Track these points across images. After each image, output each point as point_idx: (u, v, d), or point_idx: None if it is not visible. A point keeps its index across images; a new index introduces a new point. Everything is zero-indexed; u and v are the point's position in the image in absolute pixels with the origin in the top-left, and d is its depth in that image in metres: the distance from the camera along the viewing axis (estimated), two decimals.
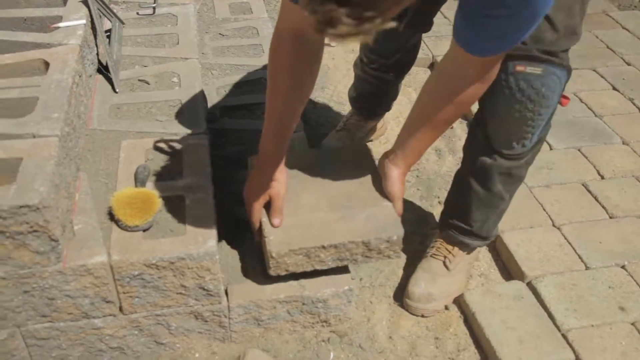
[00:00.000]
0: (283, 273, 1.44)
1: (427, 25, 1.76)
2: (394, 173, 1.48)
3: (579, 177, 2.10)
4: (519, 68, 1.35)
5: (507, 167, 1.52)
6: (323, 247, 1.40)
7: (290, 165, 1.52)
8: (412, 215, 1.97)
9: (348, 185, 1.53)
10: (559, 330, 1.59)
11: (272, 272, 1.43)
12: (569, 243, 1.84)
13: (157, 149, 1.61)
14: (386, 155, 1.52)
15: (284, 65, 1.36)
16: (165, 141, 1.63)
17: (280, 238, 1.41)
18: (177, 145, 1.62)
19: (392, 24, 0.81)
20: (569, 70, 1.40)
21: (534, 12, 1.07)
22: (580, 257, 1.79)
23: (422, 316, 1.67)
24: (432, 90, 1.39)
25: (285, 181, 1.48)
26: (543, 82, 1.35)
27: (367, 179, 1.55)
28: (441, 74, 1.37)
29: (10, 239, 1.21)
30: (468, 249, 1.71)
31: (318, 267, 1.45)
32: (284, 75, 1.37)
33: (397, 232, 1.44)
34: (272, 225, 1.43)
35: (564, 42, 1.34)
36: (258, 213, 1.46)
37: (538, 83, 1.35)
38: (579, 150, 2.23)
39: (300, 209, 1.47)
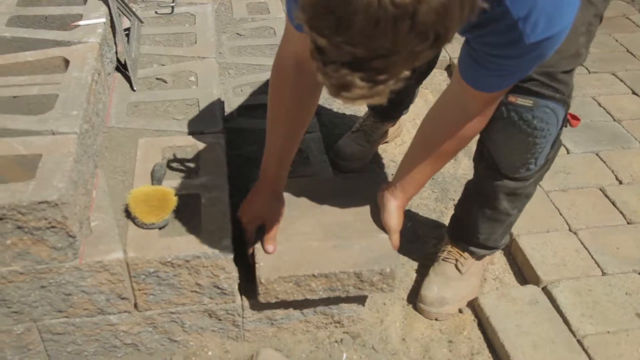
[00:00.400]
0: (273, 300, 1.43)
1: None
2: (392, 205, 1.47)
3: (596, 182, 2.08)
4: (511, 98, 1.34)
5: (513, 187, 1.51)
6: (314, 275, 1.39)
7: (288, 192, 1.53)
8: (427, 217, 1.97)
9: (344, 215, 1.52)
10: (575, 336, 1.57)
11: (261, 299, 1.42)
12: (586, 248, 1.82)
13: (173, 147, 1.62)
14: (385, 187, 1.51)
15: (285, 95, 1.35)
16: (182, 140, 1.64)
17: (271, 264, 1.40)
18: (194, 144, 1.63)
19: (404, 81, 0.81)
20: (564, 103, 1.36)
21: (542, 53, 1.05)
22: (596, 263, 1.77)
23: (436, 319, 1.66)
24: (434, 123, 1.38)
25: (281, 208, 1.48)
26: (534, 114, 1.34)
27: (364, 210, 1.55)
28: (443, 107, 1.36)
29: (29, 235, 1.22)
30: (477, 256, 1.70)
31: (309, 297, 1.43)
32: (285, 104, 1.36)
33: (391, 264, 1.42)
34: (265, 251, 1.42)
35: (564, 63, 1.31)
36: (251, 236, 1.45)
37: (529, 115, 1.34)
38: (596, 154, 2.21)
39: (294, 236, 1.46)
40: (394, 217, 1.47)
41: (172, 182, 1.50)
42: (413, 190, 1.49)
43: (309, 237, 1.46)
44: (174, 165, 1.56)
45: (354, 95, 0.80)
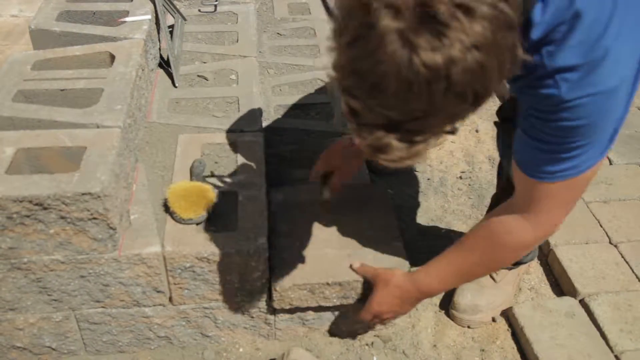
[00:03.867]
0: (287, 307, 1.44)
1: None
2: (395, 279, 1.32)
3: (639, 194, 2.03)
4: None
5: None
6: (327, 284, 1.40)
7: (301, 198, 1.53)
8: (463, 223, 1.94)
9: (360, 223, 1.52)
10: (612, 351, 1.53)
11: (275, 305, 1.44)
12: (626, 262, 1.77)
13: (213, 144, 1.64)
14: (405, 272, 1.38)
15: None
16: (221, 137, 1.66)
17: (285, 272, 1.41)
18: (233, 142, 1.64)
19: (446, 139, 0.77)
20: None
21: (585, 116, 0.93)
22: (637, 277, 1.72)
23: (468, 327, 1.64)
24: (477, 236, 1.26)
25: (355, 165, 1.45)
26: None
27: (379, 219, 1.54)
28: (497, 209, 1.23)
29: (71, 225, 1.25)
30: (509, 267, 1.67)
31: (322, 304, 1.44)
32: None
33: None
34: (323, 196, 1.43)
35: None
36: (316, 173, 1.45)
37: None
38: None
39: (310, 243, 1.47)
40: (383, 291, 1.32)
41: (210, 178, 1.52)
42: (435, 279, 1.30)
43: (324, 245, 1.47)
44: (213, 162, 1.58)
45: (392, 157, 0.77)
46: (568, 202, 1.11)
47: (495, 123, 1.51)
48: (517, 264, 1.67)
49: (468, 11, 0.63)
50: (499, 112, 1.49)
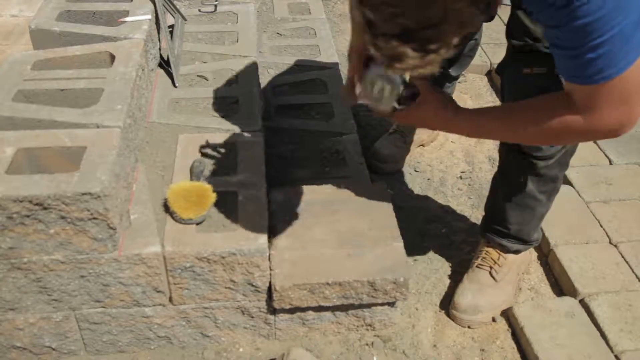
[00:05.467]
0: (287, 307, 1.44)
1: None
2: (437, 103, 1.23)
3: (639, 194, 2.03)
4: (526, 70, 1.28)
5: (537, 166, 1.48)
6: (327, 283, 1.40)
7: (303, 199, 1.53)
8: (463, 223, 1.94)
9: (360, 223, 1.52)
10: (612, 351, 1.53)
11: (275, 305, 1.44)
12: (626, 262, 1.77)
13: (213, 144, 1.64)
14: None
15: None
16: (221, 137, 1.66)
17: (285, 271, 1.41)
18: (233, 142, 1.64)
19: (456, 51, 0.80)
20: None
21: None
22: (637, 277, 1.72)
23: (468, 327, 1.64)
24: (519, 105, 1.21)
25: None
26: (551, 82, 1.22)
27: (380, 218, 1.54)
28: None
29: (71, 225, 1.25)
30: (510, 252, 1.67)
31: (322, 304, 1.44)
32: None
33: (405, 274, 1.42)
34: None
35: None
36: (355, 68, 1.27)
37: (546, 83, 1.23)
38: None
39: (310, 243, 1.47)
40: (425, 108, 1.22)
41: (210, 178, 1.52)
42: (471, 123, 1.24)
43: (323, 245, 1.47)
44: (213, 162, 1.58)
45: (406, 65, 0.79)
46: (618, 103, 1.03)
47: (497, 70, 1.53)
48: (527, 243, 1.67)
49: None
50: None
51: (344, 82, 1.34)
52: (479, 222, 1.95)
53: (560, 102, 1.11)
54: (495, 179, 1.66)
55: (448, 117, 1.24)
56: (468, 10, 0.73)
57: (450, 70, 1.93)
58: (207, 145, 1.62)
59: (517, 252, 1.69)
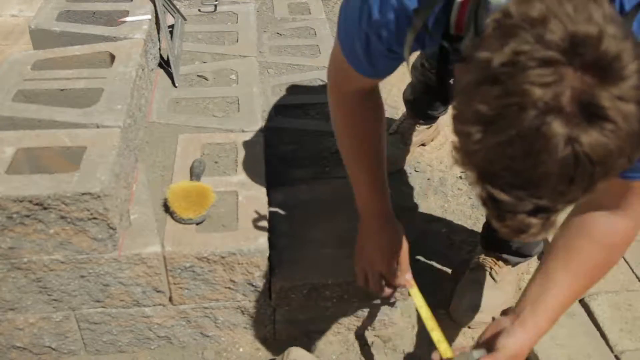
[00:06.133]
0: (287, 307, 1.45)
1: None
2: (517, 341, 1.06)
3: None
4: None
5: None
6: (327, 284, 1.41)
7: (303, 197, 1.53)
8: (463, 223, 1.94)
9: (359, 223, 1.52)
10: (612, 351, 1.53)
11: (275, 305, 1.45)
12: (626, 262, 1.77)
13: (213, 144, 1.64)
14: (504, 314, 1.17)
15: (361, 129, 1.25)
16: (221, 137, 1.66)
17: (285, 272, 1.41)
18: (233, 142, 1.64)
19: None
20: None
21: None
22: (637, 277, 1.72)
23: (468, 327, 1.64)
24: (575, 235, 1.11)
25: (402, 235, 1.34)
26: None
27: None
28: (586, 216, 1.10)
29: (71, 225, 1.25)
30: (511, 264, 1.67)
31: (322, 304, 1.45)
32: (363, 137, 1.26)
33: None
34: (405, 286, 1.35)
35: None
36: (379, 287, 1.33)
37: None
38: None
39: (309, 243, 1.47)
40: None
41: (210, 178, 1.52)
42: (550, 319, 1.11)
43: (323, 244, 1.47)
44: (213, 162, 1.58)
45: (529, 237, 0.74)
46: None
47: None
48: (528, 256, 1.67)
49: (626, 100, 0.62)
50: None
51: None
52: (479, 222, 1.95)
53: (606, 226, 1.07)
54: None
55: (532, 343, 1.11)
56: (604, 182, 0.67)
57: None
58: (208, 144, 1.62)
59: (517, 264, 1.69)
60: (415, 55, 1.96)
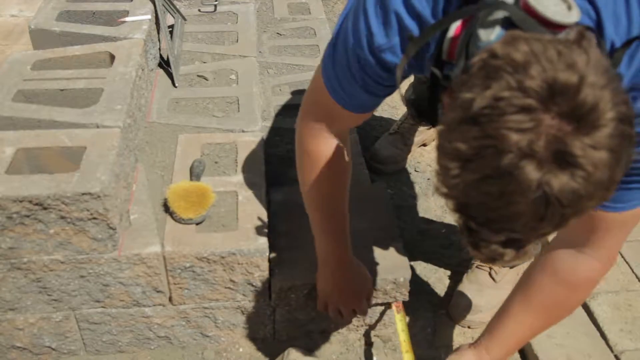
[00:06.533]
0: (287, 307, 1.45)
1: None
2: None
3: None
4: None
5: None
6: None
7: (301, 198, 1.52)
8: None
9: (360, 223, 1.51)
10: (612, 351, 1.53)
11: (275, 305, 1.45)
12: (626, 262, 1.77)
13: (213, 144, 1.64)
14: (468, 346, 1.26)
15: (331, 181, 1.24)
16: (221, 137, 1.66)
17: (285, 272, 1.41)
18: (233, 142, 1.64)
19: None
20: None
21: None
22: (637, 277, 1.72)
23: (468, 327, 1.64)
24: (538, 272, 1.17)
25: (366, 273, 1.39)
26: None
27: (380, 218, 1.54)
28: (552, 251, 1.15)
29: (71, 225, 1.25)
30: (507, 266, 1.67)
31: None
32: (331, 188, 1.25)
33: (404, 274, 1.42)
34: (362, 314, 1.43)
35: None
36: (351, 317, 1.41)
37: None
38: None
39: (309, 243, 1.45)
40: None
41: (210, 178, 1.52)
42: (512, 343, 1.21)
43: None
44: (213, 162, 1.58)
45: (501, 263, 0.81)
46: (631, 229, 1.08)
47: None
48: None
49: (599, 148, 0.64)
50: None
51: None
52: None
53: (570, 267, 1.11)
54: None
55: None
56: (575, 219, 0.70)
57: None
58: (208, 144, 1.62)
59: (514, 266, 1.69)
60: None
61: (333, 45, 1.05)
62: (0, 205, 1.20)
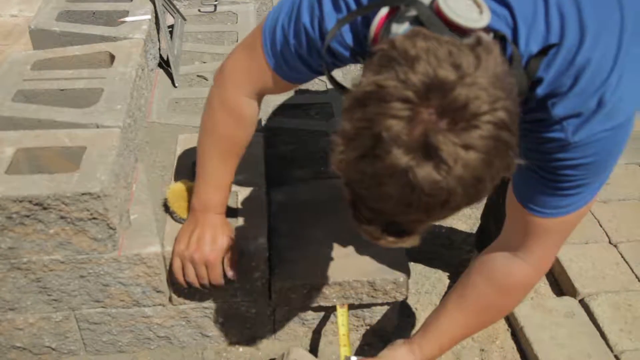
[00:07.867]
0: (287, 306, 1.45)
1: None
2: (396, 355, 1.24)
3: (639, 194, 2.03)
4: None
5: None
6: (327, 283, 1.40)
7: (302, 197, 1.52)
8: (463, 223, 1.94)
9: None
10: (612, 351, 1.53)
11: (275, 305, 1.45)
12: (626, 262, 1.77)
13: None
14: (403, 342, 1.27)
15: (235, 132, 1.24)
16: None
17: (285, 272, 1.41)
18: None
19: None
20: None
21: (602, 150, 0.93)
22: (637, 277, 1.72)
23: None
24: (474, 276, 1.19)
25: (230, 231, 1.32)
26: None
27: None
28: (488, 256, 1.18)
29: (71, 225, 1.25)
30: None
31: (322, 304, 1.44)
32: (234, 140, 1.25)
33: (404, 274, 1.42)
34: (230, 277, 1.32)
35: None
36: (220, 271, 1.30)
37: None
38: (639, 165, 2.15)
39: (309, 243, 1.47)
40: None
41: None
42: (441, 343, 1.22)
43: (322, 244, 1.47)
44: None
45: (385, 245, 0.83)
46: (563, 237, 1.11)
47: None
48: None
49: (467, 147, 0.67)
50: None
51: None
52: (478, 221, 1.95)
53: (504, 270, 1.14)
54: (488, 201, 1.63)
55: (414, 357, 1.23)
56: (449, 213, 0.75)
57: None
58: None
59: None
60: None
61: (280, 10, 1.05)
62: (0, 205, 1.19)
